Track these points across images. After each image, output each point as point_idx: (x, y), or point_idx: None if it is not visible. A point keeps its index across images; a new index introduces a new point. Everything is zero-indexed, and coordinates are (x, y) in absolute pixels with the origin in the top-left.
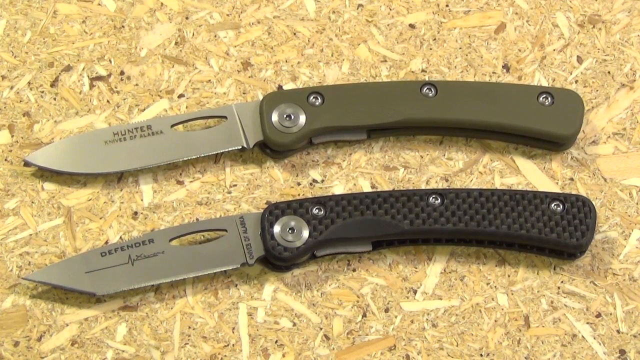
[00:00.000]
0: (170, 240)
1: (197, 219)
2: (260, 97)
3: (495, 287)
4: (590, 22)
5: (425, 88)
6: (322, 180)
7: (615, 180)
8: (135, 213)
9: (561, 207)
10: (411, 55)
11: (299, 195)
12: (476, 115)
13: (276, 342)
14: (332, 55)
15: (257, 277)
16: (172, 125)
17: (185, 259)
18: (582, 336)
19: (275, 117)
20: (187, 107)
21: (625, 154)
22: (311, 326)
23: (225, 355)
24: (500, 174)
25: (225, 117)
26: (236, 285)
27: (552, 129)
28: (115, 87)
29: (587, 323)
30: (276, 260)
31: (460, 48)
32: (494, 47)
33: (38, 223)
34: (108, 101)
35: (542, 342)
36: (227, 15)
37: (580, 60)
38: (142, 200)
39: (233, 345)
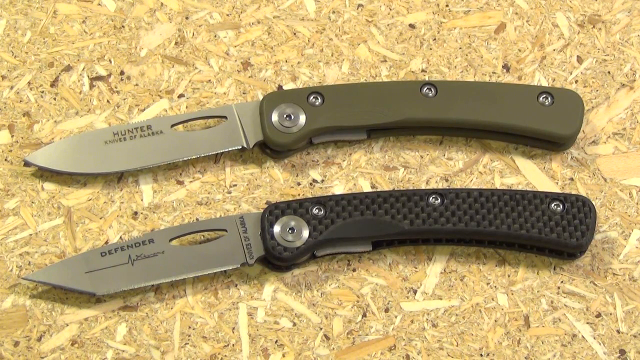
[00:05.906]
0: (170, 240)
1: (197, 219)
2: (260, 97)
3: (495, 287)
4: (590, 22)
5: (425, 88)
6: (322, 180)
7: (615, 180)
8: (135, 213)
9: (561, 207)
10: (411, 55)
11: (299, 195)
12: (476, 115)
13: (276, 342)
14: (332, 55)
15: (257, 277)
16: (172, 125)
17: (185, 259)
18: (582, 336)
19: (275, 117)
20: (187, 107)
21: (625, 154)
22: (311, 326)
23: (225, 355)
24: (500, 174)
25: (225, 117)
26: (236, 285)
27: (552, 129)
28: (115, 87)
29: (587, 323)
30: (276, 260)
31: (460, 48)
32: (494, 47)
33: (38, 223)
34: (108, 101)
35: (542, 342)
36: (227, 15)
37: (580, 60)
38: (142, 200)
39: (233, 345)
